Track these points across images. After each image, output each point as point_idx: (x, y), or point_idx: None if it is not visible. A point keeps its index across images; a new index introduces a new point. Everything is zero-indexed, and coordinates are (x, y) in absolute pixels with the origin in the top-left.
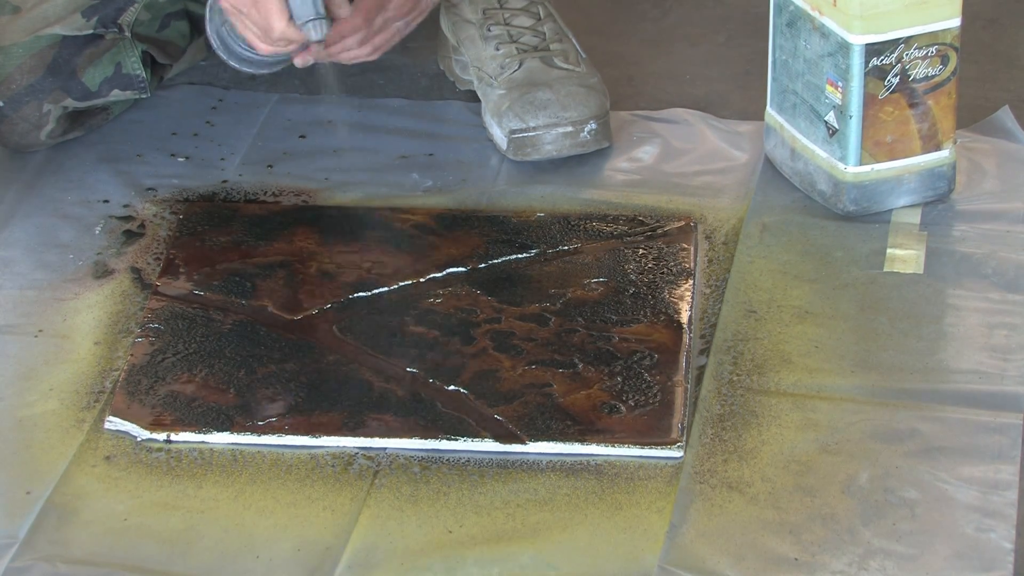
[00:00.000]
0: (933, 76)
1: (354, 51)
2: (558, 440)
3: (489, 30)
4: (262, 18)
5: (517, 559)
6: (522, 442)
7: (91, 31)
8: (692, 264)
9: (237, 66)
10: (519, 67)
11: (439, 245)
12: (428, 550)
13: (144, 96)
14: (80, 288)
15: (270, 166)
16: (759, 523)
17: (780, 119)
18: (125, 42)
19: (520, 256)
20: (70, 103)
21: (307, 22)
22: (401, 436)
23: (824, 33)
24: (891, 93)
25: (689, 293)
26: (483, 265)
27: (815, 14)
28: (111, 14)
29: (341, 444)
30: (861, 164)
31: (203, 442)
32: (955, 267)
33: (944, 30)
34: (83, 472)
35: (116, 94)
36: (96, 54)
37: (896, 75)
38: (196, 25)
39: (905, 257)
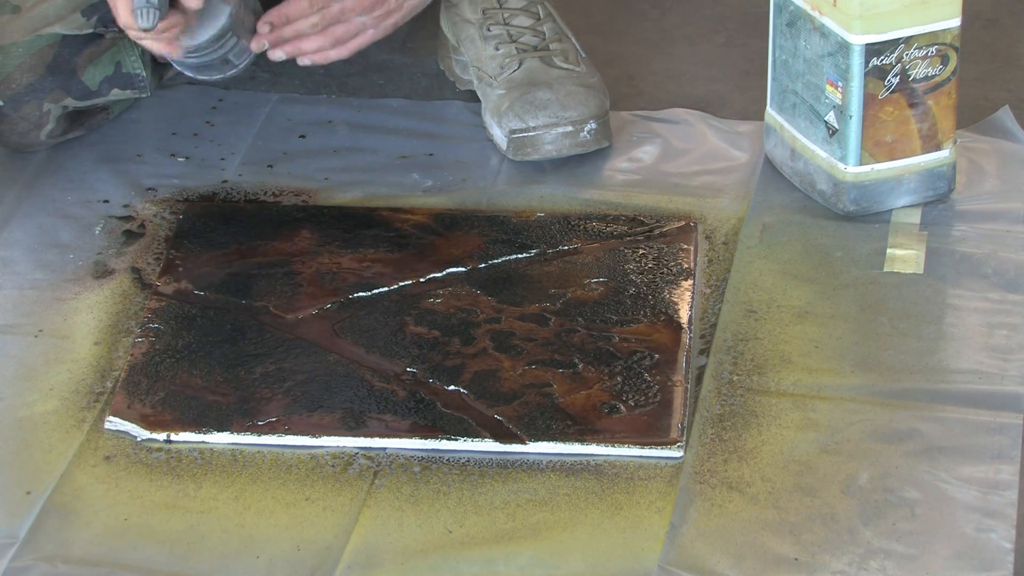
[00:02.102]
0: (933, 76)
1: (312, 40)
2: (558, 440)
3: (489, 30)
4: (112, 9)
5: (517, 559)
6: (522, 442)
7: (91, 30)
8: (692, 264)
9: (191, 74)
10: (519, 67)
11: (439, 245)
12: (428, 550)
13: (144, 95)
14: (80, 288)
15: (270, 166)
16: (759, 523)
17: (780, 119)
18: (125, 41)
19: (520, 256)
20: (70, 102)
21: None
22: (401, 436)
23: (824, 33)
24: (891, 93)
25: (689, 293)
26: (483, 265)
27: (815, 14)
28: (111, 13)
29: (341, 444)
30: (861, 164)
31: (203, 442)
32: (955, 267)
33: (944, 30)
34: (83, 472)
35: (116, 93)
36: (96, 53)
37: (896, 75)
38: None
39: (905, 257)
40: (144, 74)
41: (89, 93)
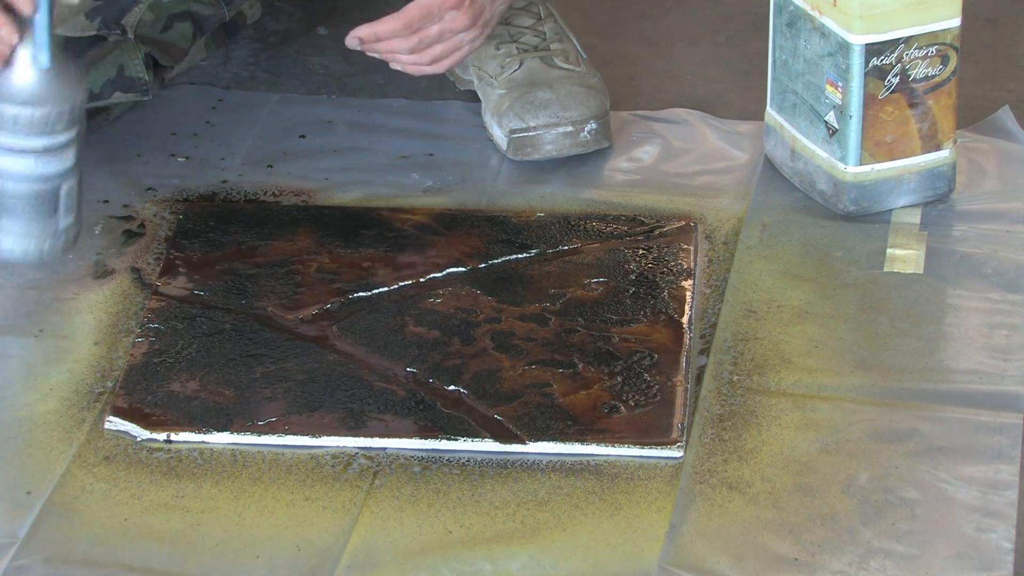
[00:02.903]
0: (933, 76)
1: (406, 58)
2: (558, 440)
3: None
4: None
5: (517, 559)
6: (522, 442)
7: (94, 32)
8: (692, 264)
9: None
10: (519, 67)
11: (439, 245)
12: (428, 550)
13: (146, 99)
14: (80, 288)
15: (270, 166)
16: (759, 523)
17: (780, 119)
18: (128, 44)
19: (520, 256)
20: None
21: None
22: (401, 436)
23: (824, 33)
24: (891, 93)
25: (689, 293)
26: (483, 265)
27: (815, 14)
28: (114, 15)
29: (341, 444)
30: (861, 164)
31: (203, 442)
32: (955, 267)
33: (944, 30)
34: (83, 472)
35: (118, 96)
36: (99, 56)
37: (896, 75)
38: (198, 26)
39: (905, 257)
40: (146, 77)
41: (91, 96)
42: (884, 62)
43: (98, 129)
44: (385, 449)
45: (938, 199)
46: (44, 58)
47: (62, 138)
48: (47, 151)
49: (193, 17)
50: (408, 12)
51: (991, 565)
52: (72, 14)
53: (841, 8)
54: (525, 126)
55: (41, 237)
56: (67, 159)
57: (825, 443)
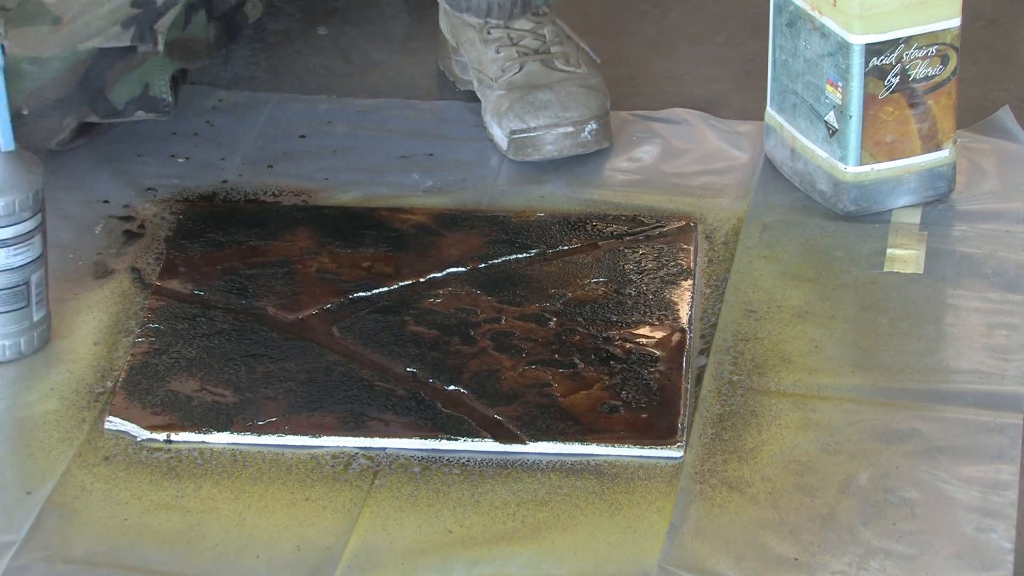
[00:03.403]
0: (933, 76)
1: None
2: (558, 440)
3: (489, 33)
4: None
5: (517, 559)
6: (522, 442)
7: (128, 43)
8: (692, 264)
9: None
10: (519, 70)
11: (439, 245)
12: (428, 550)
13: (166, 119)
14: (80, 288)
15: (270, 166)
16: (759, 523)
17: (780, 119)
18: (156, 59)
19: (520, 256)
20: (94, 119)
21: None
22: (401, 436)
23: (824, 33)
24: (891, 93)
25: (689, 293)
26: (483, 265)
27: (815, 14)
28: (151, 18)
29: (341, 444)
30: (861, 164)
31: (203, 442)
32: (955, 267)
33: (944, 30)
34: (83, 472)
35: (140, 115)
36: (126, 68)
37: (896, 75)
38: (209, 11)
39: (905, 257)
40: (170, 99)
41: (114, 112)
42: (884, 62)
43: (100, 133)
44: (385, 449)
45: (938, 199)
46: (7, 140)
47: (28, 225)
48: (16, 240)
49: (205, 4)
50: None
51: (991, 565)
52: (109, 24)
53: (841, 8)
54: (525, 127)
55: (17, 334)
56: (35, 248)
57: (825, 443)
